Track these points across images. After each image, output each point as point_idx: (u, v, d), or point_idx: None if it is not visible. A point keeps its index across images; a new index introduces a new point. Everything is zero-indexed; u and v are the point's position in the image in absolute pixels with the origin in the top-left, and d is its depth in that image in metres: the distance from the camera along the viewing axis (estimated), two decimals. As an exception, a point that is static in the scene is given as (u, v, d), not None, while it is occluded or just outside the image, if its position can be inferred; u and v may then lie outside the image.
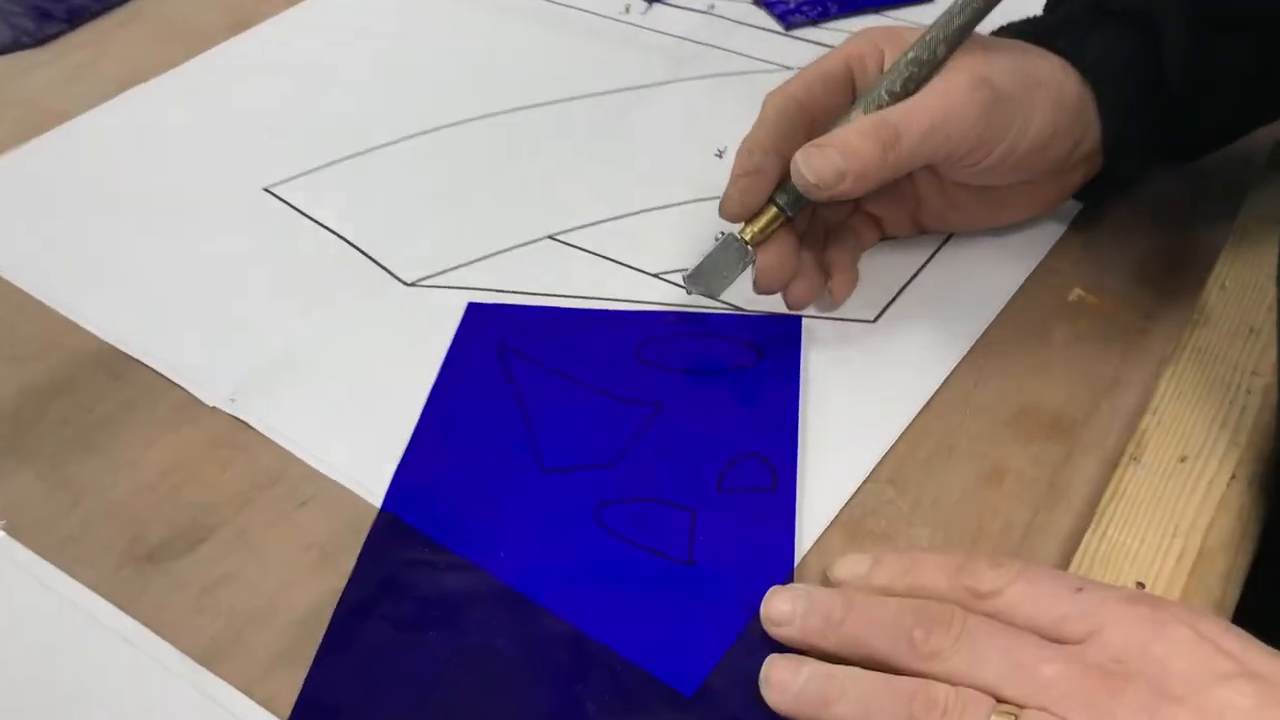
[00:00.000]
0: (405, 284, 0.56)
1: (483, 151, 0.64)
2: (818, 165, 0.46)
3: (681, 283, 0.52)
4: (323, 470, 0.47)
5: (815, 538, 0.44)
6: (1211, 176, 0.57)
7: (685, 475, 0.46)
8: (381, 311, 0.54)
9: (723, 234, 0.51)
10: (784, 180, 0.49)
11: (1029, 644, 0.36)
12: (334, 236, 0.59)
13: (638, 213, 0.59)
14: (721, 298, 0.53)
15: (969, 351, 0.51)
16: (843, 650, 0.38)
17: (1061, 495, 0.45)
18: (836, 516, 0.45)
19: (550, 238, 0.58)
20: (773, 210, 0.49)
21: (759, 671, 0.39)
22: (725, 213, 0.50)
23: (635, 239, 0.57)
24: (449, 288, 0.55)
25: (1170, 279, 0.53)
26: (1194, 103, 0.50)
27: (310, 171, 0.63)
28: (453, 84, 0.70)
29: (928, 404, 0.49)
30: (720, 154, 0.62)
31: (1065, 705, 0.34)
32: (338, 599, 0.42)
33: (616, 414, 0.49)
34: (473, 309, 0.54)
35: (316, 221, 0.60)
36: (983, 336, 0.51)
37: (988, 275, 0.54)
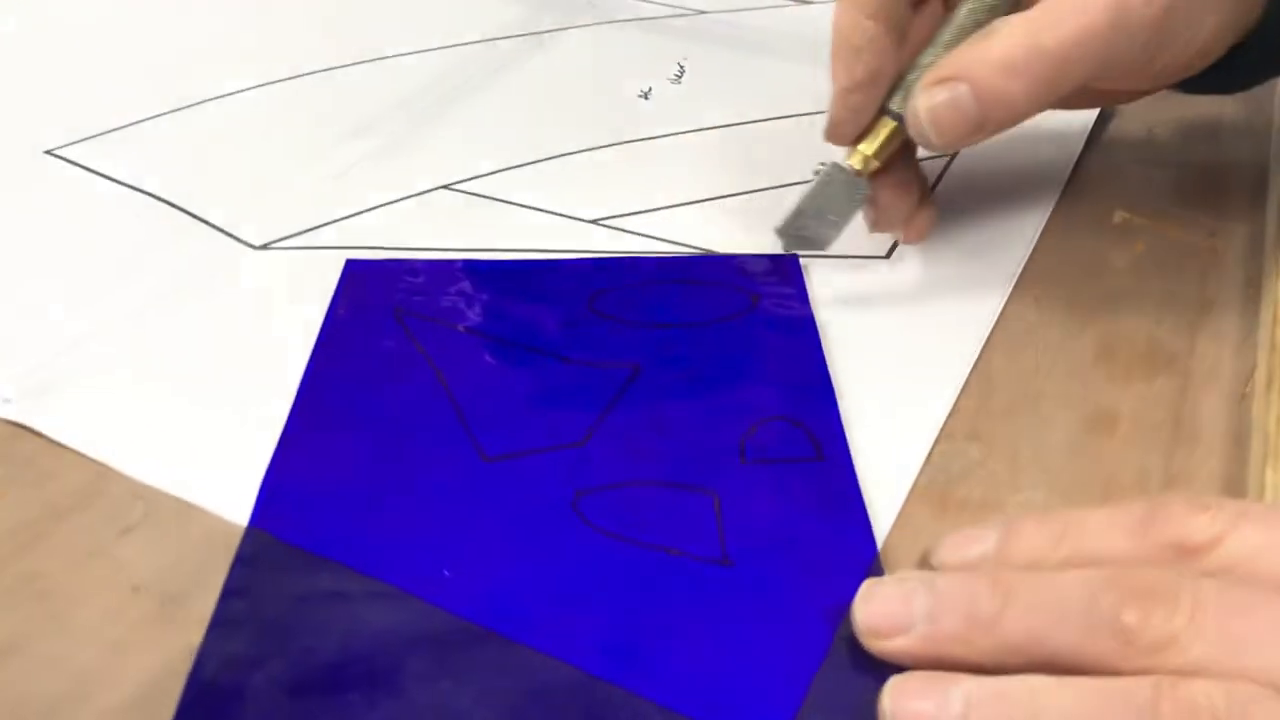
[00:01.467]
0: (254, 248, 0.41)
1: (351, 102, 0.50)
2: (946, 121, 0.35)
3: (778, 235, 0.39)
4: (153, 483, 0.32)
5: (893, 516, 0.31)
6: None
7: (692, 449, 0.32)
8: (222, 282, 0.39)
9: (822, 166, 0.38)
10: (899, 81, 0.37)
11: None
12: (152, 200, 0.43)
13: (554, 157, 0.46)
14: (664, 234, 0.41)
15: (1015, 284, 0.39)
16: (1000, 659, 0.25)
17: (1194, 436, 0.33)
18: (914, 486, 0.32)
19: (445, 188, 0.44)
20: (889, 125, 0.37)
21: (868, 706, 0.25)
22: (835, 137, 0.38)
23: (557, 186, 0.44)
24: (314, 248, 0.41)
25: (1219, 198, 0.44)
26: None
27: (114, 130, 0.48)
28: (311, 27, 0.56)
29: (987, 345, 0.37)
30: (645, 94, 0.50)
31: None
32: (192, 662, 0.27)
33: (578, 381, 0.35)
34: (353, 268, 0.39)
35: (125, 184, 0.44)
36: (1026, 267, 0.40)
37: (1009, 203, 0.43)
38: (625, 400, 0.34)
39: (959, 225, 0.42)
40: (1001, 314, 0.38)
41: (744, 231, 0.41)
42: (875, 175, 0.37)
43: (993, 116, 0.34)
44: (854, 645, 0.27)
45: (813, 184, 0.38)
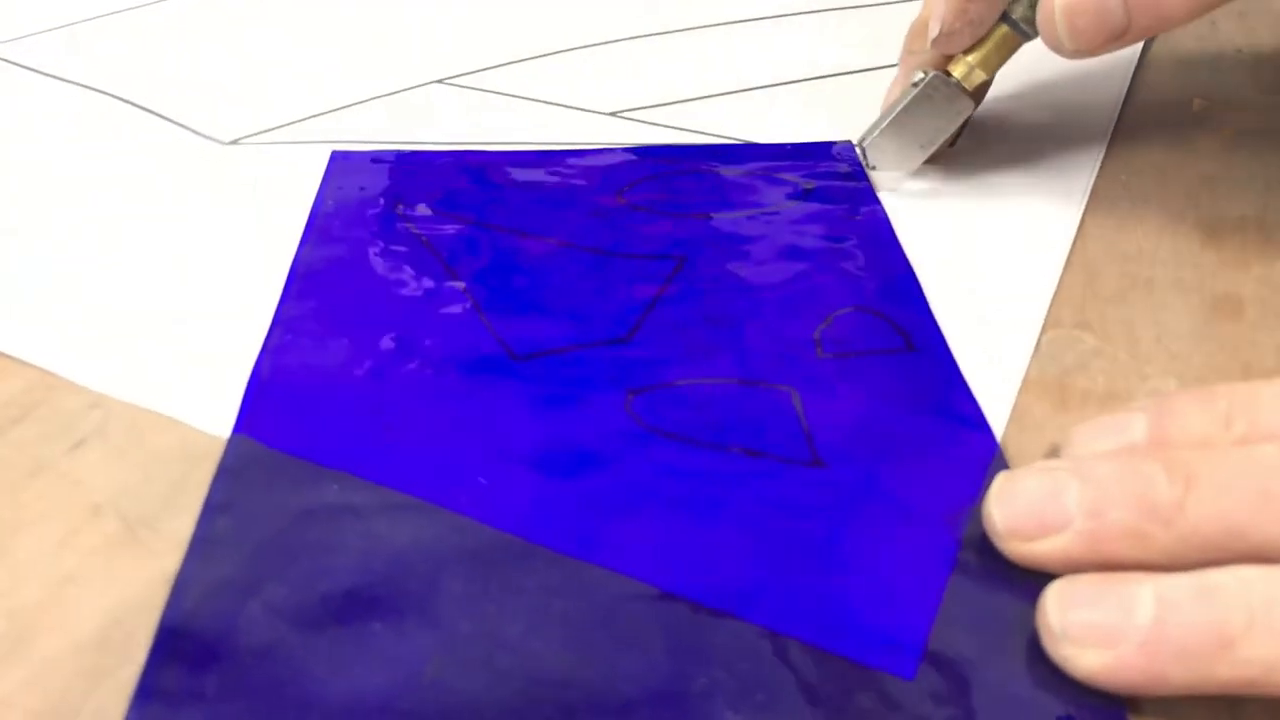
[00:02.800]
0: (222, 144, 0.35)
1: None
2: (1084, 25, 0.29)
3: (858, 149, 0.34)
4: (108, 391, 0.26)
5: (1007, 411, 0.26)
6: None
7: (759, 342, 0.27)
8: (187, 183, 0.34)
9: (925, 74, 0.32)
10: None
11: None
12: (107, 99, 0.38)
13: (565, 50, 0.41)
14: (697, 126, 0.36)
15: (1099, 170, 0.35)
16: (1185, 556, 0.20)
17: (1335, 321, 0.29)
18: (1024, 379, 0.27)
19: (441, 82, 0.39)
20: (1002, 31, 0.32)
21: (1017, 621, 0.20)
22: (945, 45, 0.32)
23: (570, 78, 0.39)
24: (292, 143, 0.35)
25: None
26: None
27: (62, 27, 0.42)
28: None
29: (1080, 230, 0.32)
30: (659, -14, 0.45)
31: None
32: (169, 592, 0.21)
33: (615, 274, 0.30)
34: (342, 160, 0.34)
35: (76, 83, 0.38)
36: (1108, 153, 0.35)
37: (1077, 90, 0.38)
38: (672, 293, 0.29)
39: (1025, 114, 0.37)
40: (1090, 198, 0.33)
41: (794, 122, 0.36)
42: (980, 89, 0.32)
43: (1139, 24, 0.29)
44: (988, 551, 0.22)
45: (910, 96, 0.32)
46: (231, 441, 0.24)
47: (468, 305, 0.28)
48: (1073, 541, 0.21)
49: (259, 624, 0.20)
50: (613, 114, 0.37)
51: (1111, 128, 0.37)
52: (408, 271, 0.29)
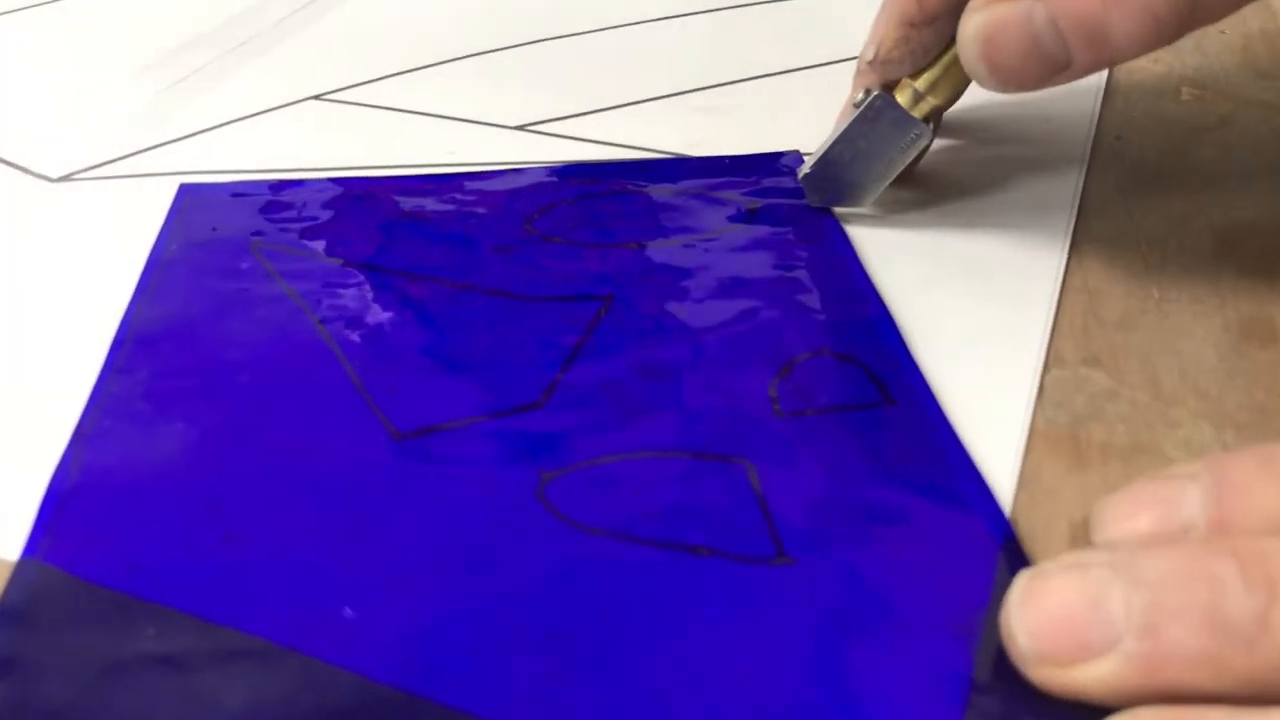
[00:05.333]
0: (49, 180, 0.29)
1: (179, 13, 0.38)
2: (1005, 51, 0.24)
3: (802, 184, 0.28)
4: None
5: (1014, 474, 0.21)
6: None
7: (704, 399, 0.22)
8: (5, 228, 0.28)
9: (865, 95, 0.27)
10: None
11: None
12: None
13: (462, 57, 0.35)
14: (617, 139, 0.30)
15: (1086, 171, 0.30)
16: (1274, 683, 0.15)
17: (1384, 342, 0.24)
18: (1030, 431, 0.22)
19: (317, 98, 0.33)
20: (954, 54, 0.26)
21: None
22: (883, 70, 0.27)
23: (468, 89, 0.34)
24: (135, 176, 0.29)
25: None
26: None
27: None
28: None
29: (1073, 243, 0.27)
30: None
31: None
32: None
33: (525, 323, 0.24)
34: (190, 193, 0.28)
35: None
36: (1093, 151, 0.31)
37: (1051, 92, 0.34)
38: (596, 343, 0.24)
39: (996, 117, 0.32)
40: (1079, 208, 0.28)
41: (726, 130, 0.31)
42: (933, 117, 0.27)
43: (1082, 59, 0.23)
44: (1009, 676, 0.17)
45: (850, 120, 0.27)
46: (18, 569, 0.18)
47: (339, 371, 0.23)
48: (1123, 668, 0.16)
49: None
50: (519, 127, 0.31)
51: (1094, 127, 0.32)
52: (265, 331, 0.24)
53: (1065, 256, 0.27)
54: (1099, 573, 0.17)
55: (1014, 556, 0.19)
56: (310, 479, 0.20)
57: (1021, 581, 0.17)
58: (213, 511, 0.19)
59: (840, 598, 0.18)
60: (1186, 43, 0.36)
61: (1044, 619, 0.17)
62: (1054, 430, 0.22)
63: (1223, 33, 0.37)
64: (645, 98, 0.33)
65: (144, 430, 0.21)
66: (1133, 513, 0.19)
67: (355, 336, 0.24)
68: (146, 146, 0.31)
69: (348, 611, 0.18)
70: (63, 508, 0.20)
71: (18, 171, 0.30)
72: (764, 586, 0.18)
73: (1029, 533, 0.20)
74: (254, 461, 0.21)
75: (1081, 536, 0.19)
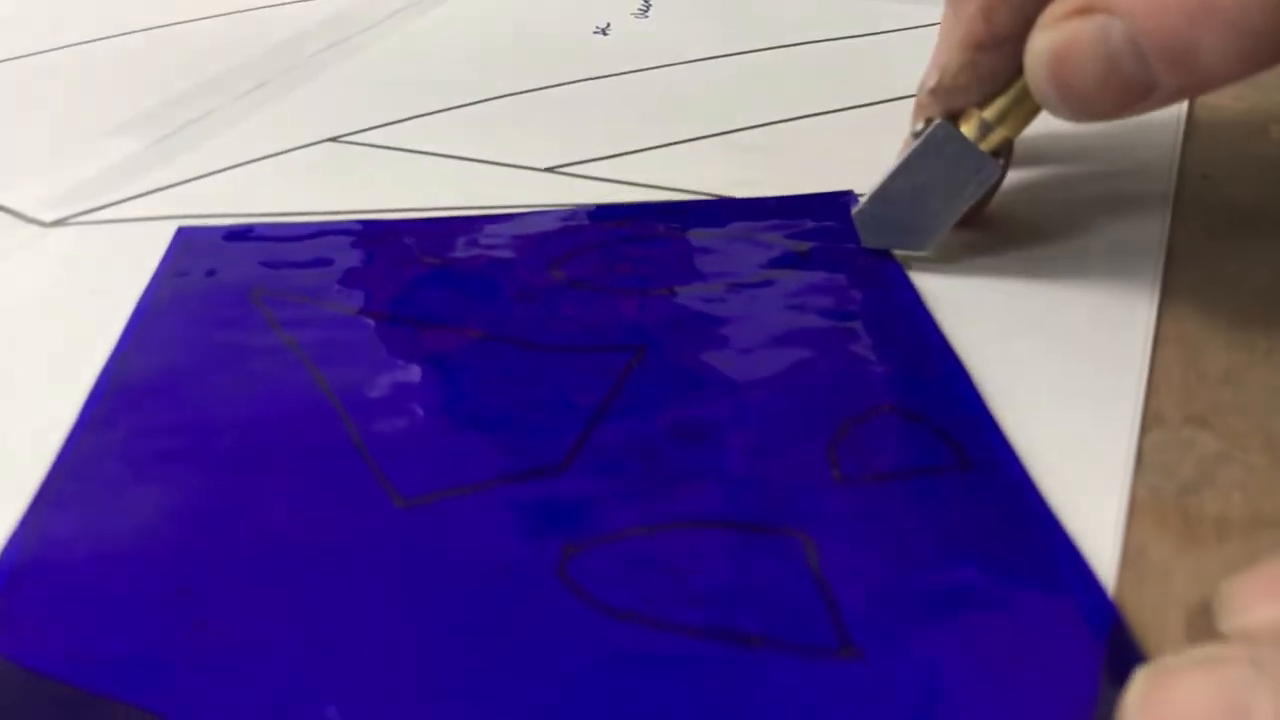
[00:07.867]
0: (42, 225, 0.27)
1: (186, 60, 0.37)
2: (1080, 73, 0.21)
3: (855, 222, 0.25)
4: None
5: (1115, 551, 0.18)
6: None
7: (750, 464, 0.19)
8: (-9, 275, 0.26)
9: (926, 125, 0.24)
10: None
11: None
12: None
13: (488, 99, 0.33)
14: (650, 180, 0.28)
15: (1171, 214, 0.27)
16: None
17: None
18: (1131, 502, 0.19)
19: (334, 140, 0.31)
20: (1025, 82, 0.23)
21: None
22: (947, 98, 0.24)
23: (495, 131, 0.31)
24: (134, 220, 0.27)
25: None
26: None
27: None
28: None
29: (1163, 290, 0.24)
30: (604, 30, 0.38)
31: None
32: None
33: (548, 376, 0.22)
34: (187, 236, 0.26)
35: None
36: (1177, 199, 0.28)
37: (1129, 126, 0.31)
38: (626, 399, 0.21)
39: (1072, 154, 0.30)
40: (1168, 250, 0.26)
41: (771, 171, 0.29)
42: (1003, 151, 0.24)
43: (1169, 83, 0.20)
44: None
45: (909, 152, 0.24)
46: (-48, 661, 0.16)
47: (340, 429, 0.20)
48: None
49: None
50: (550, 169, 0.29)
51: (1176, 165, 0.29)
52: (260, 384, 0.21)
53: (1156, 306, 0.24)
54: (1238, 671, 0.14)
55: (1124, 648, 0.16)
56: (298, 556, 0.18)
57: (1141, 679, 0.14)
58: (182, 595, 0.17)
59: (917, 697, 0.15)
60: (1271, 77, 0.34)
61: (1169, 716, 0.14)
62: (1159, 500, 0.19)
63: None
64: (686, 138, 0.31)
65: (114, 497, 0.19)
66: (1267, 596, 0.16)
67: (359, 390, 0.21)
68: (150, 189, 0.28)
69: (332, 712, 0.15)
70: (13, 586, 0.17)
71: (8, 215, 0.28)
72: (828, 684, 0.15)
73: (1138, 620, 0.17)
74: (234, 536, 0.18)
75: (1200, 625, 0.16)
